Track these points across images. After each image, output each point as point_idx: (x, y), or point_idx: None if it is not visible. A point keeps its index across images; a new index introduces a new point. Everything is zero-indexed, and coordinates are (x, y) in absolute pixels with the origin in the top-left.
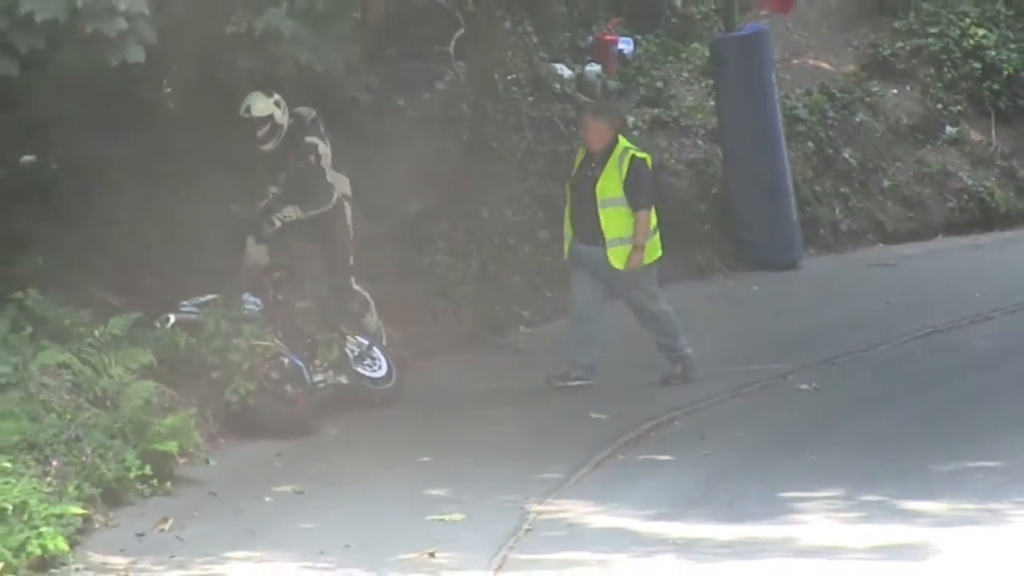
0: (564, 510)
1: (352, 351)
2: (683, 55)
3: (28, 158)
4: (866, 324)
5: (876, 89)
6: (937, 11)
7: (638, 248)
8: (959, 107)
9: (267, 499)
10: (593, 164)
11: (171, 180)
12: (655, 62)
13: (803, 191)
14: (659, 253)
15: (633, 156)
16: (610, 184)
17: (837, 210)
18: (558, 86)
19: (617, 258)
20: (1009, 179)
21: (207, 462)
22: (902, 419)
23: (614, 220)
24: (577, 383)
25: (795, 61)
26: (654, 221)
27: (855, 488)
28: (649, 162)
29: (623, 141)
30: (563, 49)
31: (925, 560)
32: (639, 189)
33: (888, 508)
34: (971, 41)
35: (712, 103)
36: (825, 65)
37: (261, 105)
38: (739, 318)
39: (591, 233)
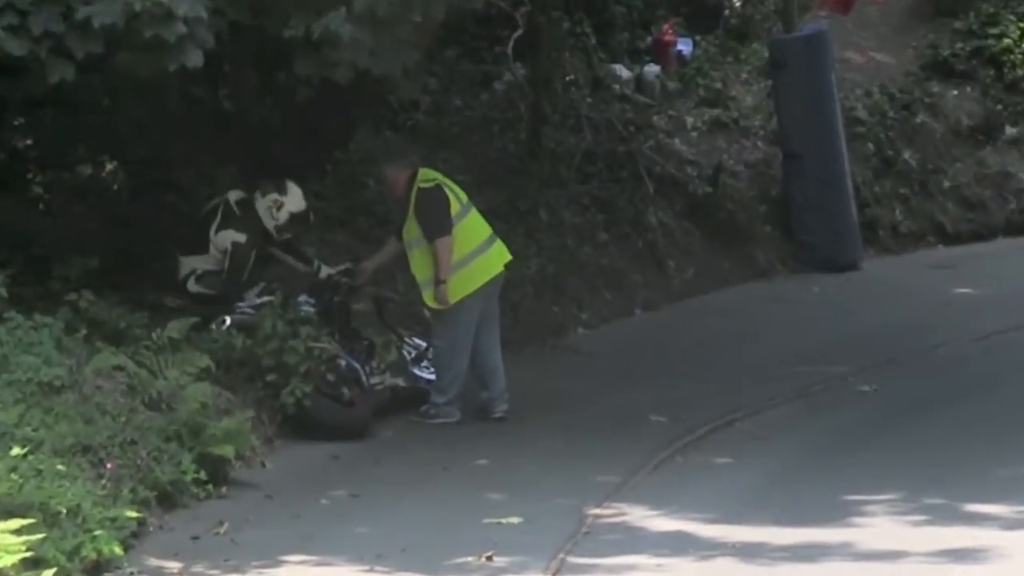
0: (622, 513)
1: (409, 352)
2: (742, 56)
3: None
4: (926, 325)
5: (936, 90)
6: (998, 12)
7: (440, 283)
8: (1020, 107)
9: (323, 502)
10: (403, 211)
11: (227, 182)
12: (714, 63)
13: (863, 192)
14: (475, 285)
15: (418, 188)
16: (412, 225)
17: (897, 211)
18: (617, 87)
19: (430, 298)
20: None
21: (263, 465)
22: (963, 421)
23: (419, 261)
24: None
25: (855, 61)
26: (471, 246)
27: (917, 491)
28: (435, 186)
29: (419, 176)
30: (622, 50)
31: (990, 564)
32: (427, 219)
33: (951, 511)
34: None
35: (772, 104)
36: (885, 58)
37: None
38: (799, 319)
39: (414, 277)
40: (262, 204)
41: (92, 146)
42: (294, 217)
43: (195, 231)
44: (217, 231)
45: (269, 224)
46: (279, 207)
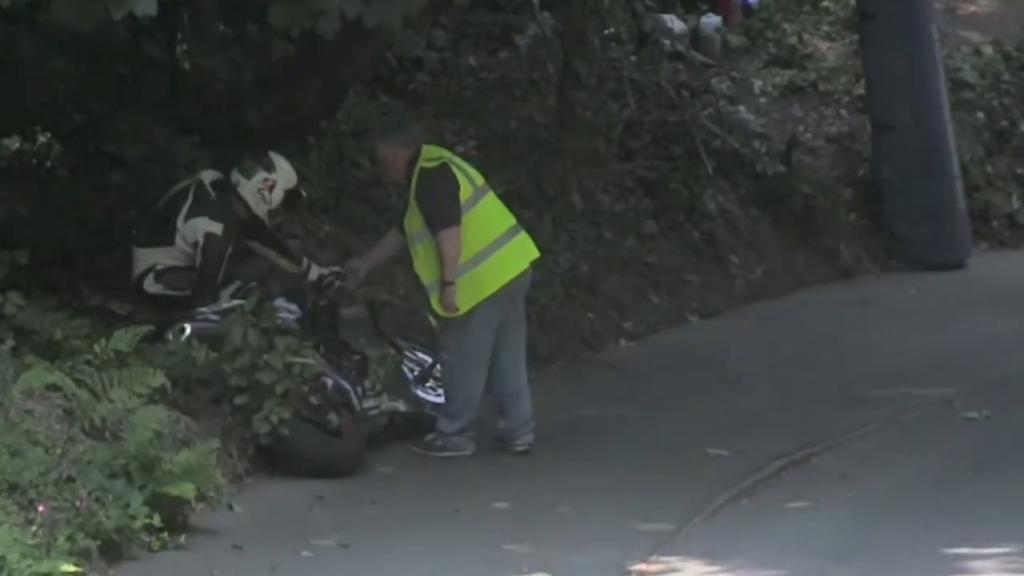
0: (673, 569)
1: (411, 370)
2: (822, 4)
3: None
4: None
5: None
6: None
7: (448, 284)
8: None
9: (305, 554)
10: (404, 197)
11: (186, 158)
12: (788, 13)
13: (971, 173)
14: (493, 287)
15: (420, 168)
16: (414, 214)
17: (1014, 197)
18: (668, 43)
19: (437, 303)
20: None
21: (230, 508)
22: None
23: (424, 259)
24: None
25: (962, 12)
26: (487, 240)
27: None
28: (441, 164)
29: (423, 154)
30: None
31: None
32: (430, 205)
33: None
34: None
35: (859, 64)
36: (999, 8)
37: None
38: (893, 329)
39: (418, 278)
40: (249, 187)
41: (21, 114)
42: (288, 196)
43: (154, 218)
44: (186, 219)
45: (261, 210)
46: (271, 187)
